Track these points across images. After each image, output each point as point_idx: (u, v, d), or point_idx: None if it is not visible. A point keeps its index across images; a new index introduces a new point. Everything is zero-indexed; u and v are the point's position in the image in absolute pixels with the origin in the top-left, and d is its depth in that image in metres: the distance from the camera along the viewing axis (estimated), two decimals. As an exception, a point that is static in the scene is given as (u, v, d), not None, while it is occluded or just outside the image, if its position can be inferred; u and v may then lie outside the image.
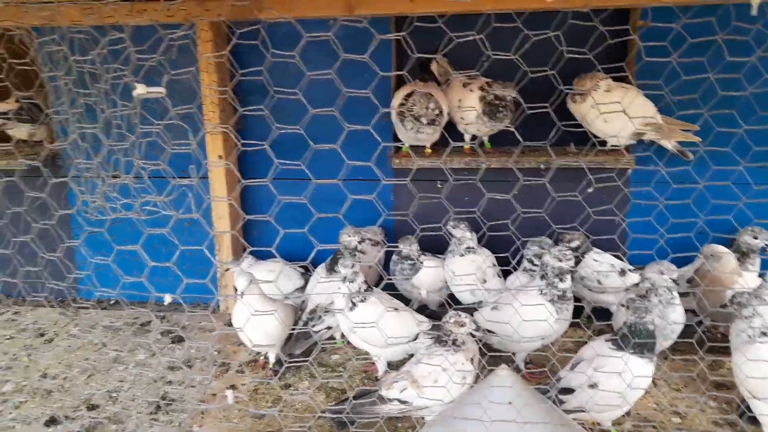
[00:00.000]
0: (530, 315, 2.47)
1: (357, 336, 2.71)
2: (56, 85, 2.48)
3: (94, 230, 2.59)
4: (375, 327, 2.43)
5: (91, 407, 2.70)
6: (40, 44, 2.45)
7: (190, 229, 3.30)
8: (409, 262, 3.19)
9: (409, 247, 3.18)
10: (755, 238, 3.09)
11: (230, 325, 2.88)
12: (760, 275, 3.04)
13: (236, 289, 2.71)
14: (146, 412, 2.65)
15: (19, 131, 3.76)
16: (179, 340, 3.30)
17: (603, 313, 3.16)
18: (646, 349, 2.23)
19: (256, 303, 2.67)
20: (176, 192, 2.74)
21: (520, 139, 1.96)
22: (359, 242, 3.33)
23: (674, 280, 2.64)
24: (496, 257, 3.20)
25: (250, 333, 2.68)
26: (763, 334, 2.25)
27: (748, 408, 2.33)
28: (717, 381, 2.70)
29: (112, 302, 3.83)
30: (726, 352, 2.52)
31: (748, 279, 2.95)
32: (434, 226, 2.94)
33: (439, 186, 3.44)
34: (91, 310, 3.69)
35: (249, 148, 2.94)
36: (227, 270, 3.11)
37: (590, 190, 3.06)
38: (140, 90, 2.00)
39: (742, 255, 3.07)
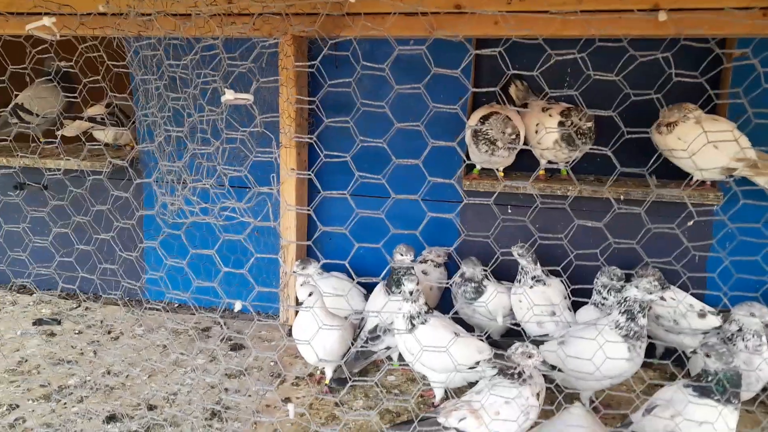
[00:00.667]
0: (597, 351, 2.33)
1: (415, 358, 2.64)
2: (147, 88, 2.58)
3: (172, 232, 2.65)
4: (435, 351, 2.35)
5: (150, 407, 2.74)
6: (136, 49, 2.56)
7: (262, 238, 3.34)
8: (473, 284, 3.11)
9: (472, 269, 3.10)
10: None
11: (290, 335, 2.87)
12: None
13: (297, 300, 2.70)
14: (202, 417, 2.66)
15: (106, 135, 3.95)
16: (239, 347, 3.32)
17: (672, 355, 2.97)
18: (732, 397, 2.05)
19: (320, 316, 2.65)
20: (255, 200, 2.78)
21: (617, 165, 1.85)
22: (422, 262, 3.28)
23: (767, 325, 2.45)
24: (572, 289, 3.07)
25: (306, 347, 2.66)
26: None
27: None
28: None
29: (176, 305, 3.92)
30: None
31: None
32: (503, 251, 2.86)
33: (510, 211, 3.35)
34: (155, 312, 3.78)
35: (326, 160, 2.95)
36: (294, 273, 3.11)
37: (690, 223, 2.89)
38: (228, 95, 2.04)
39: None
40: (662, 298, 2.83)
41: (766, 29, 2.40)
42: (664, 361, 2.99)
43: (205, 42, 2.17)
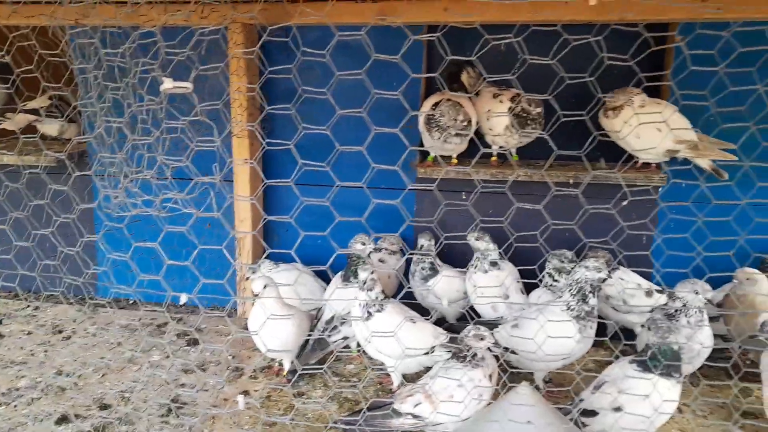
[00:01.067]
0: (554, 332, 2.39)
1: (372, 346, 2.65)
2: (85, 78, 2.50)
3: (114, 226, 2.58)
4: (390, 337, 2.37)
5: (103, 407, 2.68)
6: (72, 37, 2.47)
7: (210, 229, 3.29)
8: (429, 260, 3.14)
9: (428, 241, 3.14)
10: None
11: (247, 329, 2.85)
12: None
13: (254, 292, 2.69)
14: (157, 414, 2.62)
15: (50, 128, 3.81)
16: (194, 342, 3.28)
17: (627, 334, 3.06)
18: (673, 371, 2.13)
19: (272, 307, 2.63)
20: (198, 191, 2.73)
21: (554, 148, 1.89)
22: (377, 251, 3.29)
23: (709, 301, 2.53)
24: (519, 271, 3.13)
25: (265, 337, 2.65)
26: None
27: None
28: (745, 410, 2.58)
29: (131, 302, 3.84)
30: (754, 379, 2.41)
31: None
32: (458, 234, 2.89)
33: (464, 197, 3.38)
34: (108, 309, 3.69)
35: (274, 148, 2.92)
36: (247, 279, 3.09)
37: (625, 203, 2.97)
38: (167, 84, 2.00)
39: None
40: (609, 277, 2.90)
41: (700, 14, 2.46)
42: (614, 340, 3.08)
43: (142, 30, 2.11)
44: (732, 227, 2.55)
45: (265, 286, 2.68)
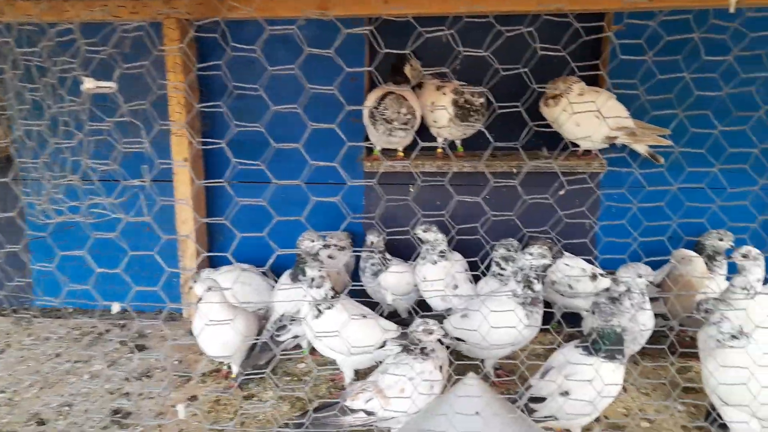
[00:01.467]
0: (500, 321, 2.41)
1: (323, 344, 2.62)
2: (2, 78, 2.35)
3: (37, 235, 2.45)
4: (339, 335, 2.34)
5: (40, 422, 2.56)
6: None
7: (141, 233, 3.17)
8: (379, 254, 3.13)
9: (377, 237, 3.13)
10: (720, 240, 3.09)
11: (192, 333, 2.77)
12: (727, 279, 3.04)
13: (197, 296, 2.61)
14: (99, 426, 2.52)
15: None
16: (140, 349, 3.17)
17: (574, 319, 3.13)
18: (616, 353, 2.18)
19: (214, 311, 2.56)
20: (127, 195, 2.62)
21: (491, 140, 1.90)
22: (326, 248, 3.25)
23: (651, 283, 2.61)
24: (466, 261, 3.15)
25: (207, 342, 2.58)
26: (733, 337, 2.21)
27: (719, 415, 2.30)
28: (686, 386, 2.68)
29: (70, 310, 3.67)
30: (693, 356, 2.51)
31: (716, 283, 2.95)
32: (405, 229, 2.88)
33: (411, 190, 3.38)
34: (44, 320, 3.52)
35: (215, 147, 2.83)
36: (190, 288, 3.00)
37: (562, 192, 3.03)
38: (89, 84, 1.89)
39: (709, 258, 3.06)
40: (554, 262, 2.95)
41: (632, 3, 2.52)
42: (561, 325, 3.15)
43: (60, 27, 2.00)
44: (665, 212, 2.62)
45: (209, 289, 2.61)
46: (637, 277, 2.61)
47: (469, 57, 2.25)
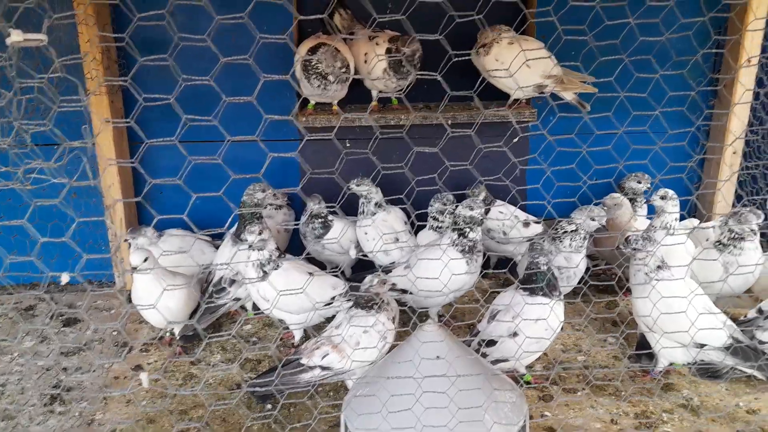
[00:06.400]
0: (442, 270, 2.47)
1: (269, 304, 2.60)
2: None
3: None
4: (290, 294, 2.32)
5: (-27, 406, 2.40)
6: None
7: (82, 199, 2.96)
8: (319, 220, 3.11)
9: (317, 204, 3.10)
10: (639, 182, 3.33)
11: (130, 301, 2.66)
12: (648, 218, 3.27)
13: (132, 265, 2.49)
14: (40, 404, 2.40)
15: None
16: (73, 322, 3.01)
17: (508, 264, 3.28)
18: (552, 290, 2.33)
19: (154, 280, 2.47)
20: (66, 157, 2.42)
21: (448, 89, 1.87)
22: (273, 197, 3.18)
23: (603, 226, 2.78)
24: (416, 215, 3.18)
25: (150, 314, 2.50)
26: (659, 268, 2.39)
27: (644, 345, 2.50)
28: (614, 320, 2.90)
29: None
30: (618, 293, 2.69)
31: (639, 223, 3.17)
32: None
33: (348, 145, 3.34)
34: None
35: (148, 105, 2.63)
36: (126, 241, 2.84)
37: (516, 140, 3.10)
38: (15, 37, 1.69)
39: (630, 200, 3.27)
40: (487, 212, 3.05)
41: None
42: (498, 270, 3.29)
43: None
44: (587, 159, 2.73)
45: (145, 259, 2.50)
46: (590, 220, 2.75)
47: (399, 5, 2.20)
